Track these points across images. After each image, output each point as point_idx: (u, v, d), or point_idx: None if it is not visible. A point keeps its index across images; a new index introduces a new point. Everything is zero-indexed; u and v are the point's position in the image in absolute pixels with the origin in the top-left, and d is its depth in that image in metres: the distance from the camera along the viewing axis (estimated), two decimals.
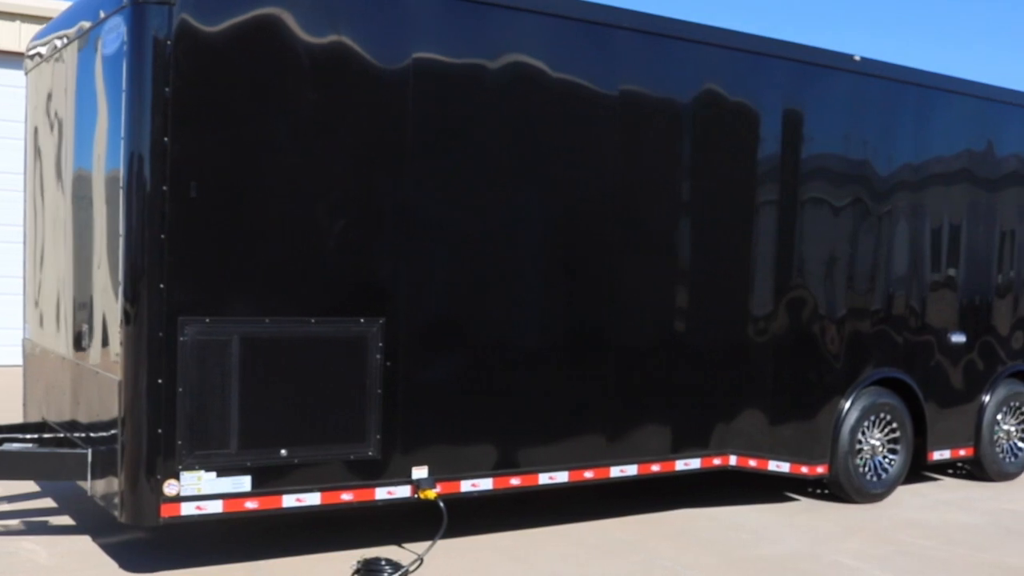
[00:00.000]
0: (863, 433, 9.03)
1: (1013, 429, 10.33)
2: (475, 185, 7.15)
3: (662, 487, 8.89)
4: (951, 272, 9.71)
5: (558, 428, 7.53)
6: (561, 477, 7.53)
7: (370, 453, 6.80)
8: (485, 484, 7.24)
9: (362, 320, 6.75)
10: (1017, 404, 10.32)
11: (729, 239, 8.34)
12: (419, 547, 6.99)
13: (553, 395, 7.51)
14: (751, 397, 8.42)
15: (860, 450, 9.02)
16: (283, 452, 6.53)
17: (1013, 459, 10.34)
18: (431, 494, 6.89)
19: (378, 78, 6.73)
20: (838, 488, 9.00)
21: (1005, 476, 10.26)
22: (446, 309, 7.11)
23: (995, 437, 10.11)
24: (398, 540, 7.22)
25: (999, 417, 10.14)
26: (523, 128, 7.30)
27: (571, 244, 7.57)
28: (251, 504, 6.47)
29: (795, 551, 7.56)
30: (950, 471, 10.49)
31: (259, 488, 6.48)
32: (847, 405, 8.88)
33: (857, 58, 8.85)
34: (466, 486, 7.16)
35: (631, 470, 7.83)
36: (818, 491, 9.26)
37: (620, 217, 7.75)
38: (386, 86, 6.77)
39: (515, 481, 7.35)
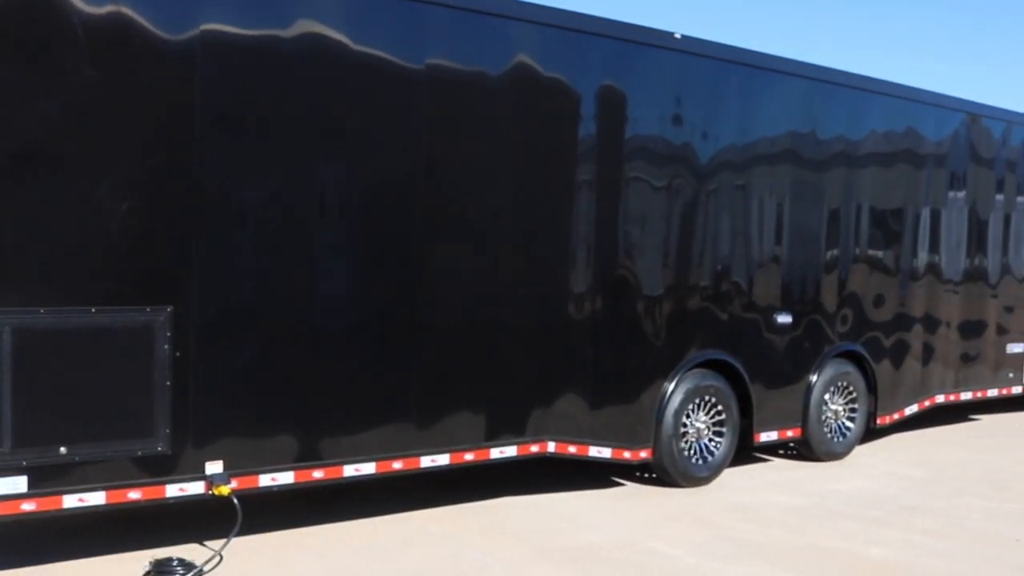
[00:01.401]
0: (688, 416, 9.03)
1: (841, 409, 10.46)
2: (271, 163, 6.89)
3: (488, 474, 8.79)
4: (777, 253, 9.76)
5: (364, 417, 7.34)
6: (368, 468, 7.34)
7: (159, 448, 6.52)
8: (286, 478, 7.01)
9: (148, 309, 6.46)
10: (845, 384, 10.46)
11: (548, 219, 8.23)
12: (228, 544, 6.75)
13: (359, 382, 7.31)
14: (570, 381, 8.33)
15: (685, 433, 9.02)
16: (62, 450, 6.23)
17: (841, 439, 10.47)
18: (225, 490, 6.65)
19: (163, 51, 6.44)
20: (663, 472, 8.99)
21: (833, 456, 10.39)
22: (242, 295, 6.86)
23: (823, 417, 10.22)
24: (213, 536, 6.95)
25: (827, 397, 10.25)
26: (323, 103, 7.06)
27: (378, 223, 7.37)
28: (28, 506, 6.16)
29: (612, 539, 7.50)
30: (781, 451, 10.59)
31: (36, 488, 6.17)
32: (671, 388, 8.87)
33: (678, 36, 8.81)
34: (265, 480, 6.93)
35: (443, 459, 7.68)
36: (646, 475, 9.24)
37: (431, 195, 7.57)
38: (172, 59, 6.48)
39: (318, 474, 7.14)
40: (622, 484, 9.13)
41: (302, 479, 7.08)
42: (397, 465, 7.46)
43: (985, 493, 9.16)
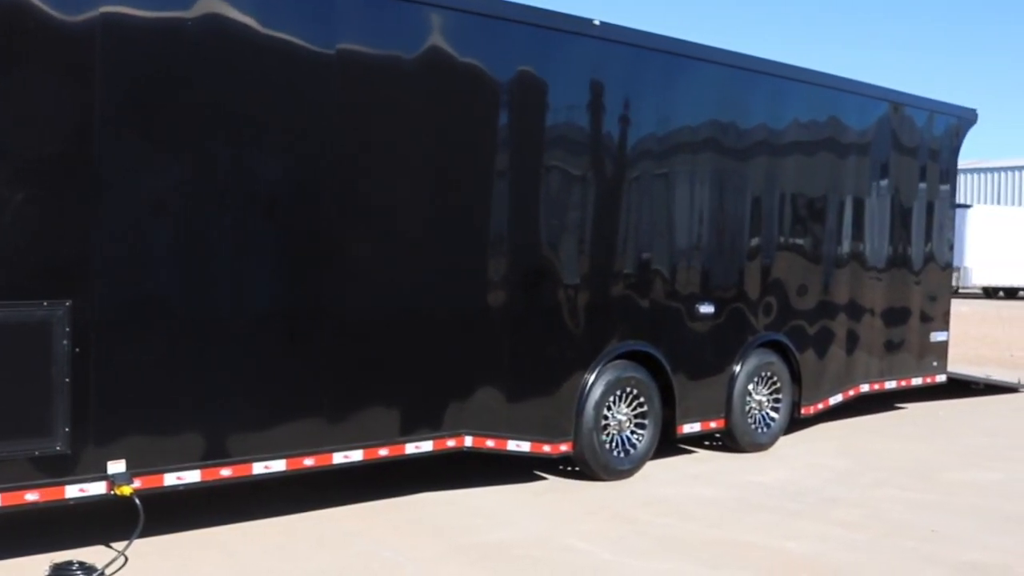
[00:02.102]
0: (609, 408, 8.98)
1: (765, 399, 10.47)
2: (175, 150, 6.71)
3: (409, 470, 8.68)
4: (699, 242, 9.74)
5: (274, 413, 7.19)
6: (278, 466, 7.19)
7: (58, 448, 6.33)
8: (192, 476, 6.84)
9: (45, 303, 6.26)
10: (768, 374, 10.46)
11: (465, 207, 8.12)
12: (136, 545, 6.56)
13: (268, 377, 7.15)
14: (488, 373, 8.23)
15: (606, 426, 8.97)
16: None
17: (766, 429, 10.48)
18: (127, 490, 6.47)
19: (60, 34, 6.23)
20: (584, 466, 8.93)
21: (758, 447, 10.39)
22: (145, 288, 6.67)
23: (747, 408, 10.22)
24: (120, 537, 6.71)
25: (750, 387, 10.25)
26: (229, 88, 6.89)
27: (286, 213, 7.22)
28: None
29: (528, 535, 7.42)
30: (706, 443, 10.57)
31: None
32: (591, 379, 8.80)
33: (597, 23, 8.73)
34: (170, 479, 6.75)
35: (356, 456, 7.54)
36: (568, 469, 9.18)
37: (342, 184, 7.43)
38: (69, 43, 6.28)
39: (226, 472, 6.98)
40: (544, 478, 9.06)
41: (209, 478, 6.92)
42: (308, 462, 7.32)
43: (906, 483, 9.20)
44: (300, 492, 8.11)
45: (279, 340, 7.21)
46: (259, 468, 7.12)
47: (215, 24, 6.77)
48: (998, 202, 53.65)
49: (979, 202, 50.72)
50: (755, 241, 10.28)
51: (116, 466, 6.51)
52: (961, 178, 53.34)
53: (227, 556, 6.81)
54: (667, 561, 6.90)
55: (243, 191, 7.01)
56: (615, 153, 8.97)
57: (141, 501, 6.52)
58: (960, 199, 49.13)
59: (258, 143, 7.06)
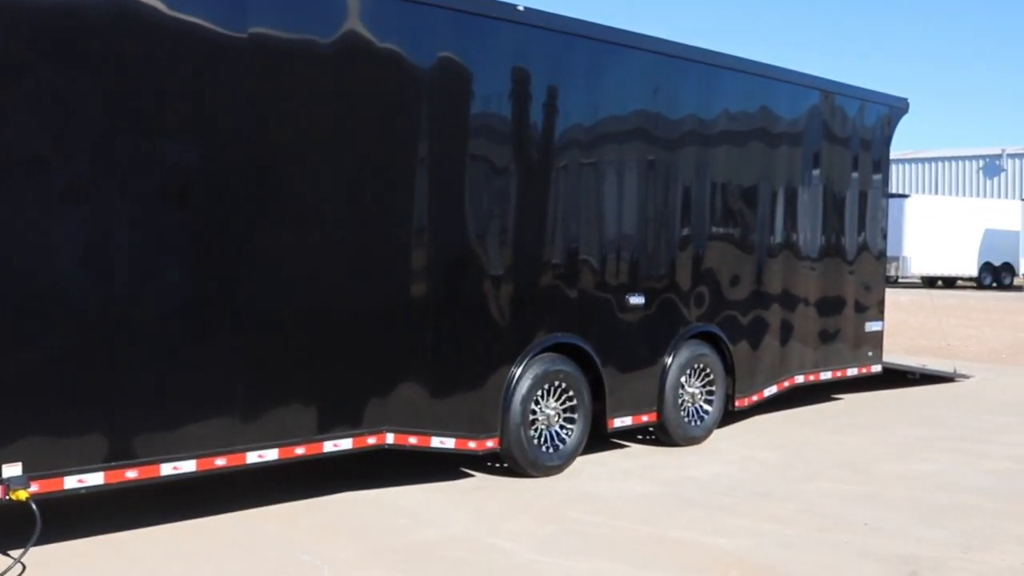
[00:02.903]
0: (536, 403, 8.79)
1: (698, 392, 10.33)
2: (74, 137, 6.41)
3: (332, 468, 8.47)
4: (629, 232, 9.57)
5: (183, 411, 6.91)
6: (188, 466, 6.92)
7: None
8: (95, 479, 6.55)
9: None
10: (701, 366, 10.33)
11: (385, 197, 7.88)
12: (33, 552, 6.28)
13: (175, 373, 6.88)
14: (410, 368, 8.00)
15: (534, 421, 8.78)
16: None
17: (699, 422, 10.34)
18: (23, 494, 6.17)
19: None
20: (512, 462, 8.74)
21: (691, 440, 10.25)
22: (38, 280, 6.36)
23: (679, 401, 10.07)
24: (16, 544, 6.44)
25: (683, 380, 10.10)
26: (132, 74, 6.61)
27: (196, 202, 6.95)
28: None
29: (453, 535, 7.22)
30: (639, 437, 10.43)
31: None
32: (518, 373, 8.61)
33: (521, 8, 8.53)
34: (71, 482, 6.45)
35: (271, 455, 7.29)
36: (496, 465, 8.98)
37: (254, 172, 7.17)
38: None
39: (132, 474, 6.70)
40: (471, 475, 8.86)
41: (114, 480, 6.64)
42: (220, 462, 7.06)
43: (840, 476, 9.10)
44: (214, 492, 7.86)
45: (188, 335, 6.94)
46: (167, 469, 6.84)
47: (118, 6, 6.49)
48: (936, 192, 54.25)
49: (917, 192, 51.25)
50: (686, 231, 10.14)
51: (11, 469, 6.20)
52: (899, 168, 53.92)
53: (133, 562, 6.55)
54: (594, 560, 6.72)
55: (148, 181, 6.73)
56: (541, 142, 8.78)
57: (39, 506, 6.23)
58: (898, 189, 49.82)
59: (164, 131, 6.79)
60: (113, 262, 6.60)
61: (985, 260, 41.63)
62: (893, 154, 13.53)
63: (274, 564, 6.57)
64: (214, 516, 7.50)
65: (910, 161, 57.23)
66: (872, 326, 12.95)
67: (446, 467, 8.90)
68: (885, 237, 13.30)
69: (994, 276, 42.09)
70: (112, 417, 6.62)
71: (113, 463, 6.61)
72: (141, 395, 6.73)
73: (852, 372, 12.64)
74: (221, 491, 7.93)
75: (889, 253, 35.91)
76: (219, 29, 6.94)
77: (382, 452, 8.06)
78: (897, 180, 54.63)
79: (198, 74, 6.91)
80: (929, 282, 41.68)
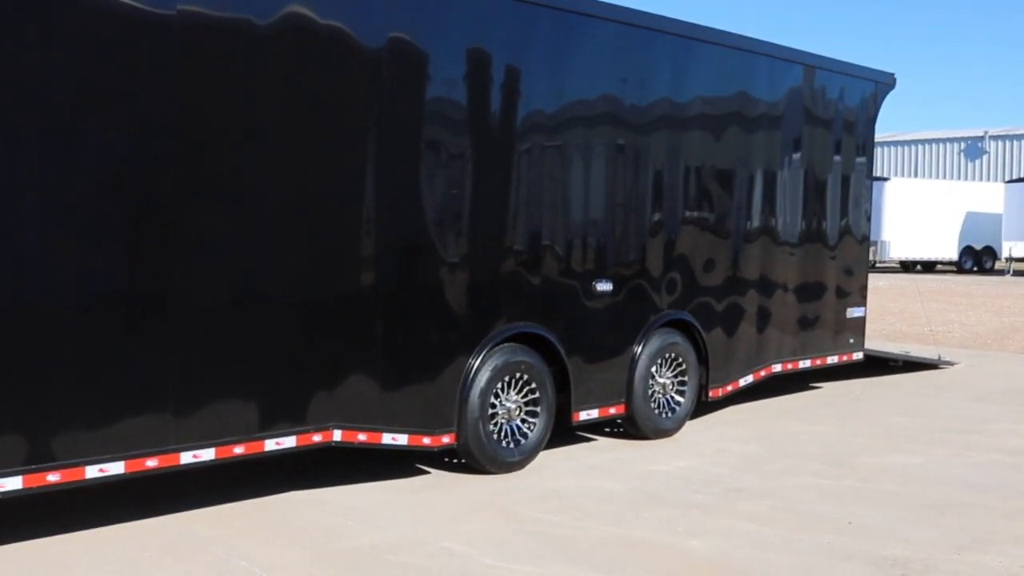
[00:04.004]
0: (496, 396, 8.40)
1: (669, 382, 9.95)
2: None
3: (278, 465, 8.08)
4: (595, 216, 9.17)
5: (109, 409, 6.49)
6: (115, 468, 6.50)
7: None
8: (13, 483, 6.13)
9: None
10: (673, 355, 9.95)
11: (331, 183, 7.45)
12: None
13: (101, 369, 6.46)
14: (358, 361, 7.59)
15: (494, 415, 8.39)
16: None
17: (670, 414, 9.97)
18: None
19: None
20: (470, 458, 8.35)
21: (662, 433, 9.87)
22: None
23: (649, 392, 9.69)
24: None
25: (653, 370, 9.72)
26: (52, 51, 6.18)
27: (119, 188, 6.51)
28: None
29: (403, 538, 6.83)
30: (607, 430, 10.05)
31: None
32: (476, 364, 8.21)
33: None
34: None
35: (207, 454, 6.88)
36: (454, 461, 8.60)
37: (185, 156, 6.73)
38: None
39: (54, 477, 6.28)
40: (427, 472, 8.47)
41: (34, 484, 6.22)
42: (151, 463, 6.64)
43: (820, 470, 8.74)
44: (145, 494, 7.45)
45: (113, 329, 6.51)
46: (93, 472, 6.43)
47: None
48: (916, 175, 54.10)
49: (897, 175, 51.09)
50: (657, 215, 9.75)
51: None
52: (879, 151, 53.76)
53: (56, 571, 6.14)
54: (554, 565, 6.34)
55: (69, 165, 6.29)
56: (501, 123, 8.38)
57: None
58: (878, 172, 49.59)
59: (85, 112, 6.34)
60: (31, 254, 6.17)
61: (966, 244, 41.49)
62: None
63: (207, 571, 6.18)
64: (144, 519, 7.08)
65: (890, 144, 57.06)
66: (854, 312, 12.60)
67: (400, 464, 8.51)
68: (869, 220, 12.94)
69: (975, 260, 41.95)
70: (31, 417, 6.20)
71: (32, 466, 6.20)
72: (64, 393, 6.32)
73: (832, 360, 12.29)
74: (153, 492, 7.53)
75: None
76: (145, 6, 6.49)
77: (331, 448, 7.68)
78: (877, 163, 54.43)
79: (123, 53, 6.46)
80: (907, 266, 41.53)
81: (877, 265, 39.94)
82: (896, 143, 57.36)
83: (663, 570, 6.28)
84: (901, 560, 6.46)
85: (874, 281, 28.76)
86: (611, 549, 6.66)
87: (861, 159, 12.52)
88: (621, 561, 6.43)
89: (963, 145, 55.22)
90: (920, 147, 56.79)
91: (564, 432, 9.32)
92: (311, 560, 6.39)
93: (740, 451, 9.42)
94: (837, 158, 12.09)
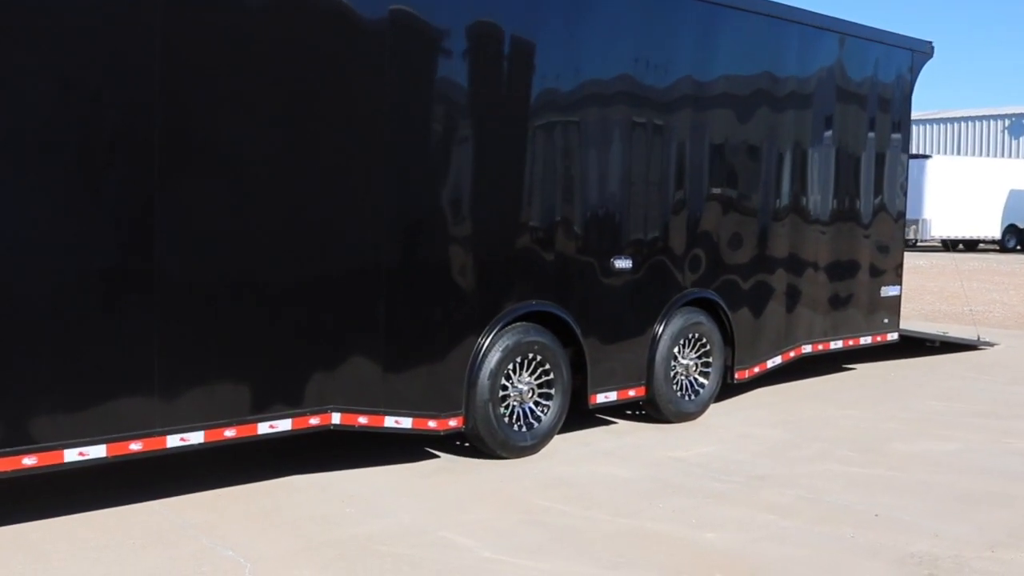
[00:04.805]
0: (508, 378, 7.98)
1: (692, 363, 9.50)
2: None
3: (281, 448, 7.73)
4: (615, 190, 8.71)
5: (90, 390, 6.13)
6: (97, 452, 6.14)
7: None
8: None
9: None
10: (697, 335, 9.48)
11: (330, 155, 7.02)
12: None
13: (83, 349, 6.09)
14: (359, 340, 7.19)
15: (505, 397, 7.98)
16: None
17: (694, 397, 9.51)
18: None
19: None
20: (479, 443, 7.94)
21: (685, 416, 9.42)
22: None
23: (671, 374, 9.24)
24: None
25: (675, 351, 9.27)
26: (28, 11, 5.79)
27: (100, 160, 6.11)
28: None
29: (401, 527, 6.44)
30: (629, 412, 9.63)
31: None
32: (485, 344, 7.79)
33: None
34: None
35: (195, 438, 6.49)
36: (466, 446, 8.20)
37: (171, 127, 6.32)
38: None
39: (30, 460, 5.92)
40: (436, 457, 8.08)
41: (10, 467, 5.87)
42: (135, 447, 6.28)
43: (848, 457, 8.28)
44: (137, 476, 7.12)
45: (94, 307, 6.13)
46: (72, 455, 6.07)
47: None
48: (958, 153, 53.13)
49: (939, 153, 50.15)
50: (681, 190, 9.27)
51: None
52: (922, 129, 52.87)
53: (35, 559, 5.80)
54: (556, 559, 5.92)
55: (42, 132, 5.91)
56: (514, 95, 7.94)
57: None
58: (920, 150, 48.72)
59: (62, 77, 5.95)
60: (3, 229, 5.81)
61: (1009, 222, 40.63)
62: (914, 115, 12.56)
63: (190, 561, 5.82)
64: (136, 504, 6.74)
65: (933, 121, 56.07)
66: (889, 291, 12.06)
67: (409, 448, 8.12)
68: (905, 196, 12.38)
69: (1018, 239, 41.08)
70: (7, 398, 5.84)
71: (8, 449, 5.85)
72: (42, 373, 5.96)
73: (866, 340, 11.76)
74: (146, 475, 7.19)
75: (909, 216, 34.87)
76: None
77: (340, 432, 7.31)
78: (919, 141, 53.54)
79: (103, 16, 6.07)
80: (949, 245, 40.73)
81: (918, 244, 39.17)
82: (939, 121, 56.35)
83: (672, 565, 5.85)
84: (929, 558, 6.00)
85: (914, 260, 28.22)
86: (619, 541, 6.23)
87: (896, 134, 11.96)
88: (628, 555, 6.00)
89: (1007, 122, 54.11)
90: (963, 124, 55.75)
91: (583, 415, 8.90)
92: (299, 550, 6.01)
93: (765, 436, 8.96)
94: (871, 131, 11.54)
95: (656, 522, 6.61)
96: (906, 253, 12.79)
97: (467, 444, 8.15)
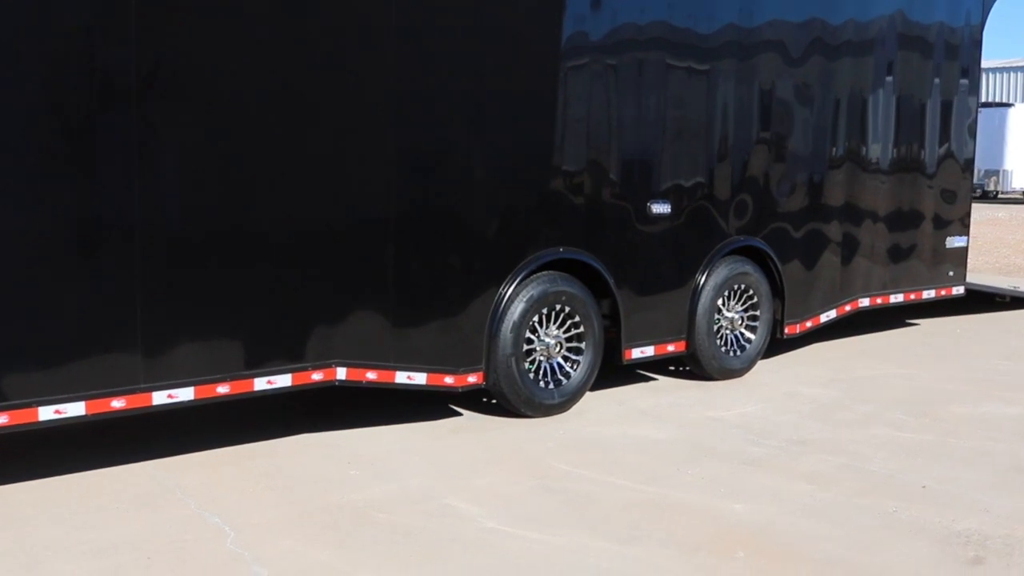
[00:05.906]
0: (533, 331, 7.42)
1: (738, 317, 8.85)
2: None
3: (299, 402, 7.28)
4: (651, 129, 8.06)
5: (67, 346, 5.67)
6: (75, 409, 5.68)
7: None
8: None
9: None
10: (743, 287, 8.82)
11: (332, 90, 6.45)
12: None
13: (61, 304, 5.63)
14: (366, 289, 6.64)
15: (530, 351, 7.42)
16: None
17: (739, 352, 8.87)
18: None
19: None
20: (503, 399, 7.41)
21: (729, 373, 8.79)
22: None
23: (714, 327, 8.61)
24: None
25: (719, 303, 8.63)
26: None
27: (65, 95, 5.58)
28: None
29: (404, 492, 5.93)
30: (671, 368, 9.02)
31: None
32: (508, 294, 7.22)
33: None
34: None
35: (185, 394, 6.00)
36: (493, 402, 7.67)
37: (146, 57, 5.77)
38: None
39: (3, 419, 5.49)
40: (458, 415, 7.55)
41: None
42: (118, 404, 5.80)
43: (899, 420, 7.61)
44: (134, 434, 6.68)
45: (77, 262, 5.67)
46: (48, 413, 5.61)
47: None
48: None
49: (1021, 102, 48.38)
50: (726, 130, 8.58)
51: None
52: (1002, 76, 51.02)
53: (11, 522, 5.38)
54: (564, 531, 5.36)
55: (22, 77, 5.44)
56: (542, 31, 7.34)
57: None
58: (1001, 98, 47.00)
59: (47, 52, 5.48)
60: None
61: None
62: (994, 62, 11.68)
63: (173, 527, 5.36)
64: (131, 464, 6.31)
65: (1013, 69, 54.15)
66: (955, 242, 11.26)
67: (430, 405, 7.60)
68: (974, 143, 11.53)
69: None
70: None
71: None
72: (14, 328, 5.51)
73: (928, 294, 11.00)
74: (143, 433, 6.75)
75: (990, 166, 33.11)
76: None
77: (359, 388, 6.83)
78: (1000, 89, 51.75)
79: None
80: None
81: (999, 195, 37.82)
82: (1020, 68, 54.42)
83: (691, 542, 5.26)
84: (978, 537, 5.35)
85: (993, 212, 27.10)
86: (636, 512, 5.65)
87: (964, 79, 11.10)
88: (644, 528, 5.42)
89: None
90: None
91: (620, 371, 8.32)
92: (290, 517, 5.52)
93: (813, 396, 8.31)
94: (936, 75, 10.71)
95: (682, 491, 6.02)
96: (986, 205, 11.96)
97: (494, 401, 7.62)
